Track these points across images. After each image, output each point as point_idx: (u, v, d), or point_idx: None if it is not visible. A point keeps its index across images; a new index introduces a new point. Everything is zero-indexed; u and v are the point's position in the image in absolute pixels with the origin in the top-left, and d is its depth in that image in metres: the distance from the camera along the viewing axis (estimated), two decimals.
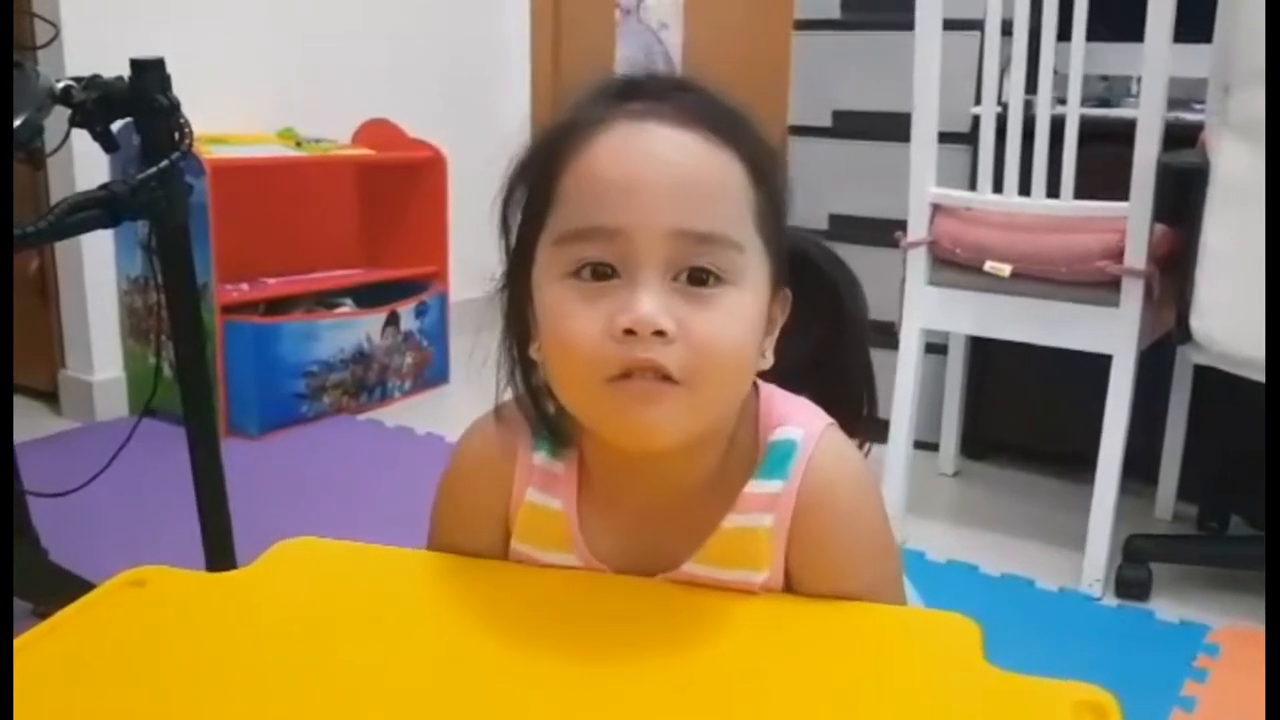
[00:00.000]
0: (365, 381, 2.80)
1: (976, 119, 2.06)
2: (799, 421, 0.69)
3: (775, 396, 0.71)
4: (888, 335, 2.09)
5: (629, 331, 0.59)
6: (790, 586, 0.69)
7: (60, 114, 1.31)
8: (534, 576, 0.71)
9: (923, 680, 0.60)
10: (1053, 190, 1.85)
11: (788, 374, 0.71)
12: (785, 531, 0.68)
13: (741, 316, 0.63)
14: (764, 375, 0.70)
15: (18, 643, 0.61)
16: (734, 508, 0.68)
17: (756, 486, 0.68)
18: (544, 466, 0.71)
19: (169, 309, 1.45)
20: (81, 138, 1.36)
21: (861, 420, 0.76)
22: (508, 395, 0.72)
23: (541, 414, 0.70)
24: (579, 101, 0.66)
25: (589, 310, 0.61)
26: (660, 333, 0.59)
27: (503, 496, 0.72)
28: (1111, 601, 1.86)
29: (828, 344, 0.77)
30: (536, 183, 0.65)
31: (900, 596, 0.72)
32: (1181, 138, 1.81)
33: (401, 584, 0.71)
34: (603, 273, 0.61)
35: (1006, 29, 1.85)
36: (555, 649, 0.62)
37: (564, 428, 0.70)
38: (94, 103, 1.30)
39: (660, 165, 0.62)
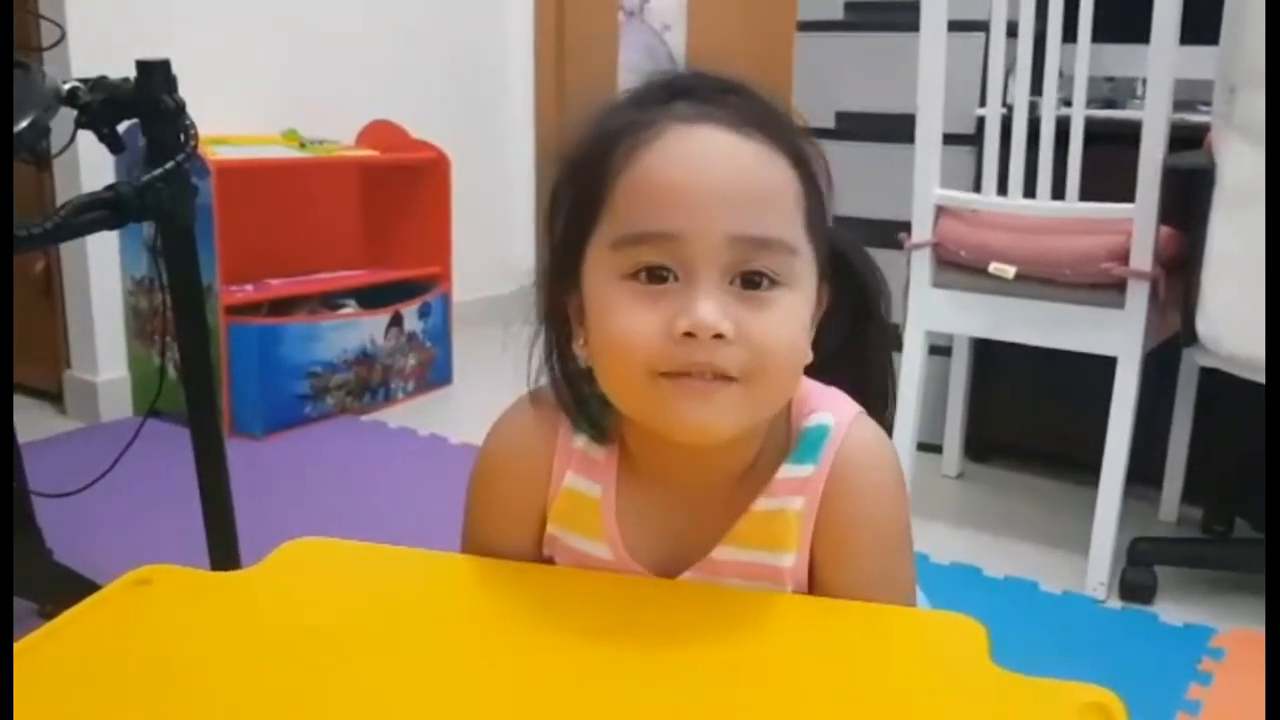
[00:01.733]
0: (369, 382, 2.80)
1: (981, 120, 2.05)
2: (831, 408, 0.71)
3: (808, 385, 0.72)
4: (891, 337, 2.08)
5: (688, 334, 0.61)
6: (813, 569, 0.70)
7: (66, 115, 1.31)
8: (545, 576, 0.71)
9: (929, 681, 0.60)
10: (1058, 192, 1.84)
11: (814, 367, 0.71)
12: (814, 514, 0.69)
13: (795, 318, 0.64)
14: None
15: (24, 642, 0.61)
16: (765, 491, 0.69)
17: (789, 471, 0.69)
18: (584, 451, 0.72)
19: (174, 310, 1.45)
20: (87, 139, 1.36)
21: (883, 419, 0.76)
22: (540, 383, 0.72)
23: (580, 403, 0.70)
24: (626, 103, 0.67)
25: (647, 311, 0.62)
26: (719, 335, 0.61)
27: (542, 479, 0.73)
28: (1116, 604, 1.86)
29: (852, 341, 0.78)
30: (586, 185, 0.65)
31: (912, 584, 0.73)
32: (1187, 139, 1.81)
33: (409, 584, 0.71)
34: (660, 276, 0.62)
35: (1011, 30, 1.85)
36: (563, 649, 0.62)
37: (602, 419, 0.71)
38: (100, 104, 1.31)
39: (717, 170, 0.63)
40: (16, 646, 0.60)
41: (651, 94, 0.67)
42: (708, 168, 0.63)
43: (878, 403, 0.78)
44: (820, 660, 0.62)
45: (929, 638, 0.65)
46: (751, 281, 0.63)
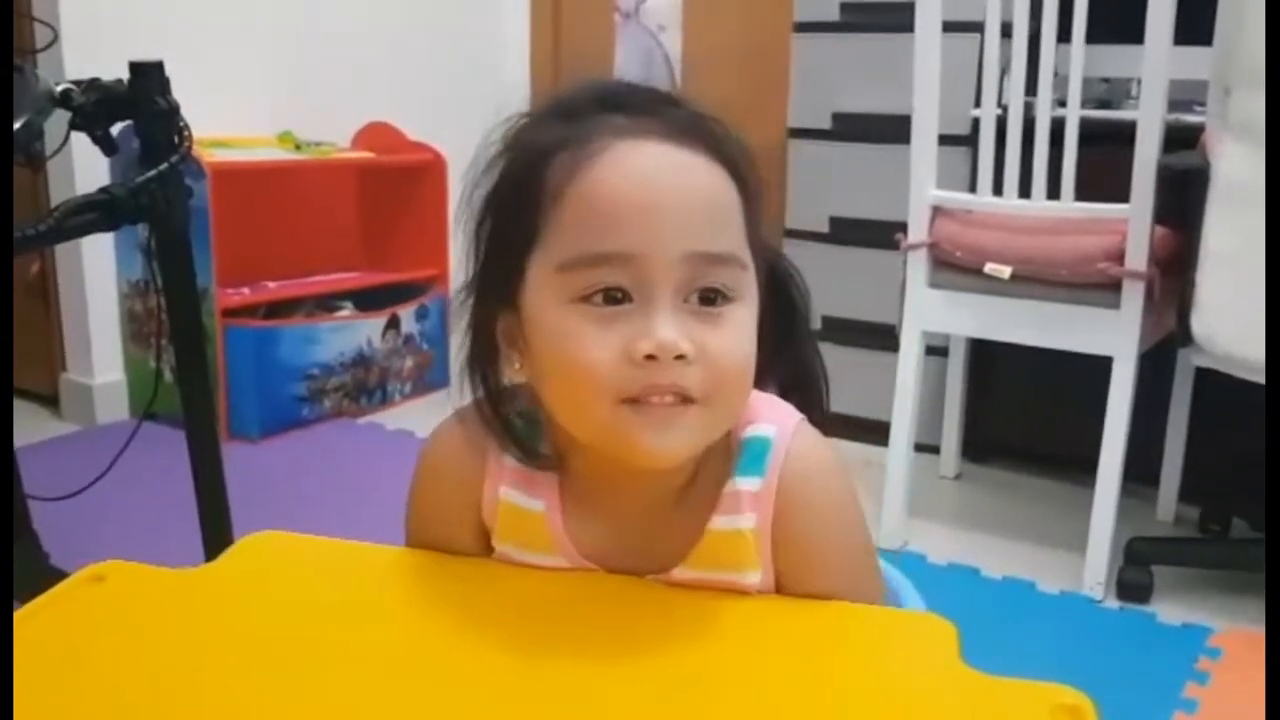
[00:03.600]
0: (366, 385, 2.80)
1: (976, 121, 2.06)
2: (770, 418, 0.70)
3: None
4: (888, 338, 2.09)
5: (650, 357, 0.60)
6: (780, 585, 0.69)
7: (60, 117, 1.31)
8: (502, 573, 0.70)
9: (897, 681, 0.59)
10: (1053, 192, 1.84)
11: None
12: (769, 529, 0.68)
13: (748, 332, 0.64)
14: None
15: None
16: (718, 509, 0.68)
17: (736, 484, 0.68)
18: (516, 467, 0.71)
19: (169, 312, 1.45)
20: (82, 141, 1.36)
21: (822, 414, 0.75)
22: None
23: (514, 441, 0.69)
24: (553, 115, 0.65)
25: (603, 335, 0.60)
26: (681, 356, 0.60)
27: (473, 496, 0.71)
28: (1113, 604, 1.86)
29: (782, 339, 0.76)
30: (522, 203, 0.63)
31: (880, 586, 0.73)
32: (1182, 139, 1.81)
33: (368, 579, 0.70)
34: (614, 297, 0.61)
35: (1006, 31, 1.85)
36: (525, 646, 0.61)
37: (530, 440, 0.69)
38: (93, 105, 1.30)
39: (670, 188, 0.61)
40: None
41: (580, 106, 0.65)
42: (661, 184, 0.61)
43: (817, 397, 0.77)
44: (787, 659, 0.61)
45: (898, 637, 0.64)
46: (705, 298, 0.62)
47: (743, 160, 0.65)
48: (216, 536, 1.48)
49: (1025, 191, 1.88)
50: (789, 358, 0.76)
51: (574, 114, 0.64)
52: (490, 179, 0.66)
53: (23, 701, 0.55)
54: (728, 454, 0.69)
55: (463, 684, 0.58)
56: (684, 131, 0.63)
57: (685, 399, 0.61)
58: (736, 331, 0.63)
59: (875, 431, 2.10)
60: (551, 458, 0.69)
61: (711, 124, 0.65)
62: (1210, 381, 1.92)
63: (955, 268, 1.96)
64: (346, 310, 2.83)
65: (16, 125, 1.21)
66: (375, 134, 2.98)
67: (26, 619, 0.63)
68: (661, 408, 0.60)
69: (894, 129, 2.08)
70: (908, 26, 1.91)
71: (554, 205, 0.62)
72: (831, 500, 0.69)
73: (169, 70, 1.35)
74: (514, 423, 0.69)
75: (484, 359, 0.68)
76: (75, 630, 0.63)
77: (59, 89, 1.29)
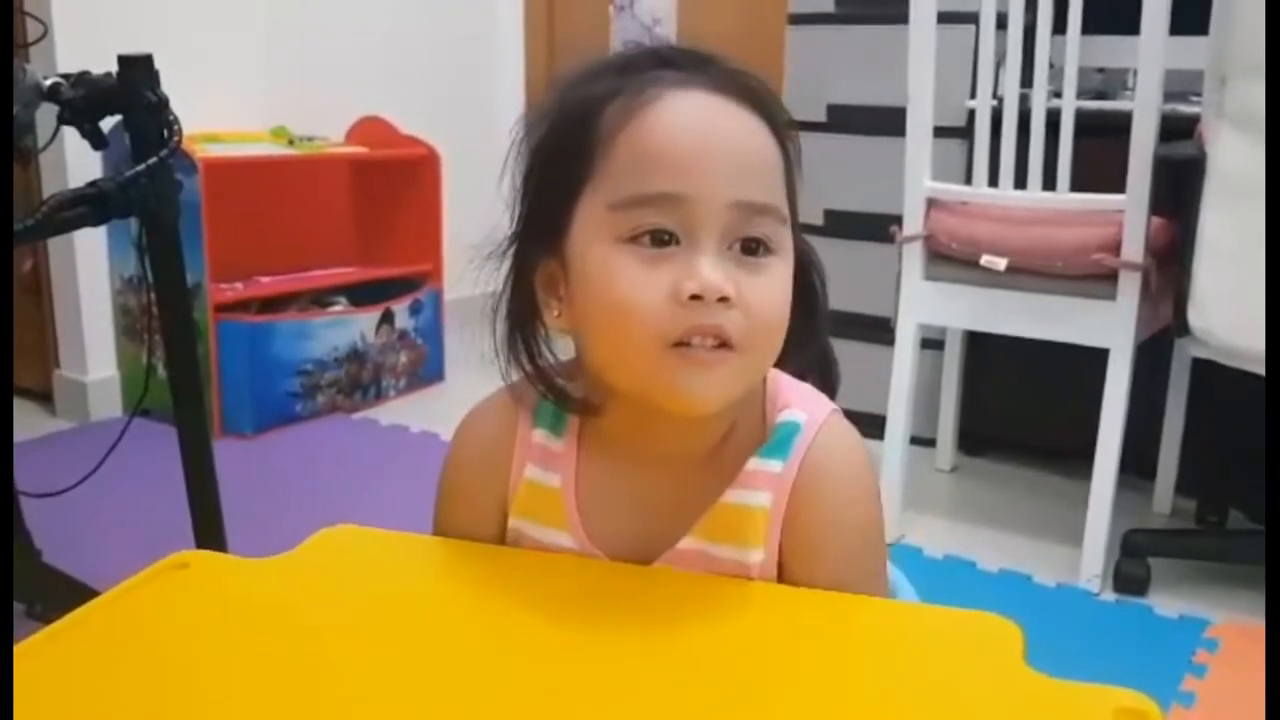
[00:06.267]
0: (360, 380, 2.79)
1: (972, 112, 2.05)
2: (804, 406, 0.70)
3: (782, 380, 0.72)
4: (883, 330, 2.08)
5: (695, 297, 0.61)
6: (783, 570, 0.69)
7: (49, 111, 1.30)
8: (574, 566, 0.71)
9: (960, 681, 0.59)
10: (1049, 183, 1.84)
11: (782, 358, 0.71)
12: (782, 512, 0.68)
13: (785, 286, 0.66)
14: None
15: (56, 626, 0.62)
16: (735, 483, 0.68)
17: (758, 464, 0.69)
18: (543, 444, 0.72)
19: (159, 307, 1.44)
20: (75, 135, 1.35)
21: (832, 399, 0.76)
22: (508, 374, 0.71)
23: (549, 386, 0.70)
24: (609, 69, 0.67)
25: (650, 275, 0.62)
26: (724, 299, 0.61)
27: (502, 473, 0.73)
28: (1110, 596, 1.85)
29: (805, 325, 0.76)
30: (576, 145, 0.65)
31: (882, 586, 0.72)
32: (1178, 130, 1.80)
33: (442, 572, 0.71)
34: (661, 239, 0.62)
35: (1001, 22, 1.84)
36: (599, 640, 0.62)
37: (571, 397, 0.70)
38: (82, 99, 1.30)
39: (722, 136, 0.63)
40: (53, 628, 0.62)
41: (636, 62, 0.67)
42: (713, 131, 0.63)
43: (835, 384, 0.78)
44: (850, 656, 0.61)
45: (962, 638, 0.63)
46: (748, 248, 0.63)
47: (785, 125, 0.67)
48: (208, 532, 1.47)
49: (1021, 183, 1.87)
50: (810, 343, 0.77)
51: (628, 69, 0.66)
52: (540, 131, 0.68)
53: (108, 686, 0.57)
54: (758, 436, 0.69)
55: (535, 671, 0.58)
56: (733, 87, 0.65)
57: (724, 344, 0.62)
58: (775, 282, 0.64)
59: (870, 425, 2.09)
60: (585, 403, 0.70)
61: (759, 85, 0.67)
62: (1207, 373, 1.92)
63: (951, 260, 1.96)
64: (340, 305, 2.82)
65: None
66: (369, 129, 2.97)
67: (110, 604, 0.65)
68: (703, 351, 0.62)
69: (889, 121, 2.07)
70: (902, 18, 1.90)
71: (607, 148, 0.64)
72: (848, 493, 0.69)
73: (162, 65, 1.35)
74: (556, 385, 0.70)
75: (522, 308, 0.69)
76: (160, 617, 0.64)
77: (47, 83, 1.28)
